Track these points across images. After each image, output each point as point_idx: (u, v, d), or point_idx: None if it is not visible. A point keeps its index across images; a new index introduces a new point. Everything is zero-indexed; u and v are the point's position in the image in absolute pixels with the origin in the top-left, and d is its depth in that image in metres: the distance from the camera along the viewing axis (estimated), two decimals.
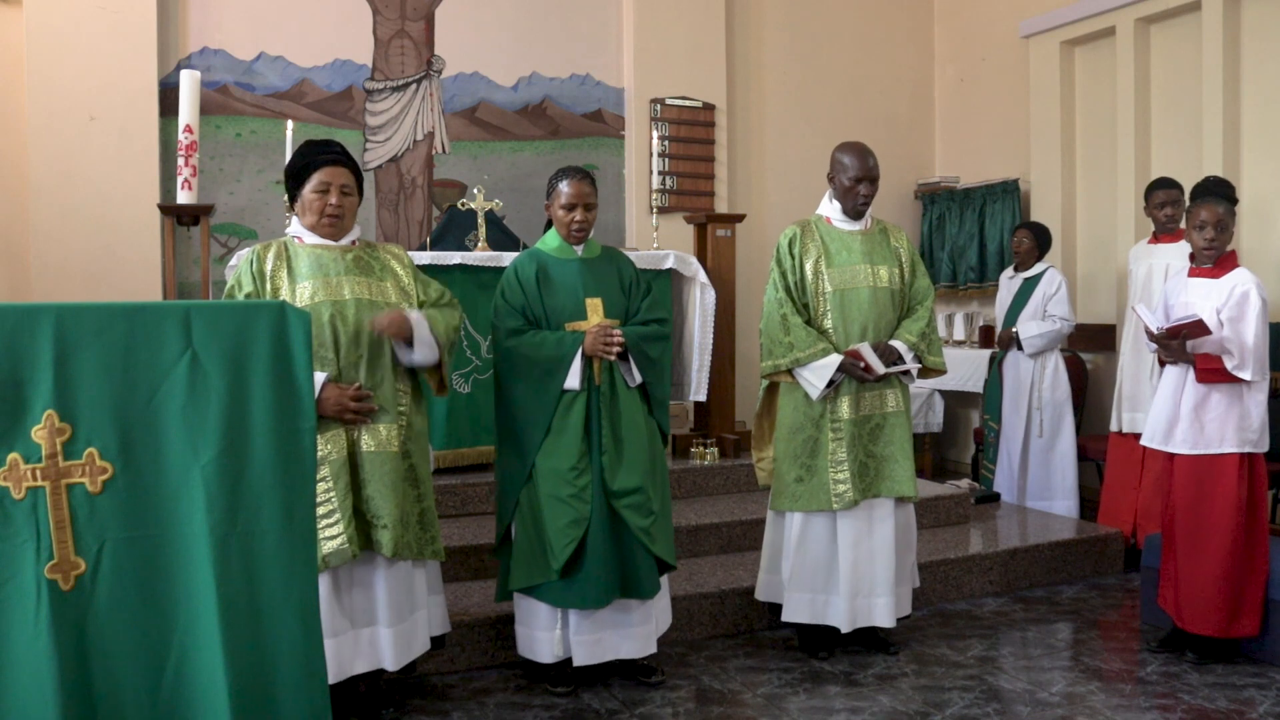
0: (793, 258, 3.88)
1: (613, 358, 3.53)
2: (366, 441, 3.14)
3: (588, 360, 3.53)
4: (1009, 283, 6.08)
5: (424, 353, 3.23)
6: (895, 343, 3.85)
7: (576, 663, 3.55)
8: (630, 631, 3.60)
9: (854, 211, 3.93)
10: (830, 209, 3.98)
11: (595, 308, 3.60)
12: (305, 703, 2.42)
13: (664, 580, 3.73)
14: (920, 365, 3.90)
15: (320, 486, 3.02)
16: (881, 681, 3.74)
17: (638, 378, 3.60)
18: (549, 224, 3.78)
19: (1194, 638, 3.88)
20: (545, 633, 3.56)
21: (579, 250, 3.69)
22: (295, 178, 3.26)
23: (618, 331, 3.53)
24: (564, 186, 3.65)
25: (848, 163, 3.89)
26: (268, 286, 3.15)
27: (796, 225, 3.96)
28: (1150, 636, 4.15)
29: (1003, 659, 3.98)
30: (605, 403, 3.55)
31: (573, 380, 3.50)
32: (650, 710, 3.50)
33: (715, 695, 3.65)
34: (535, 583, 3.52)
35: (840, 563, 3.82)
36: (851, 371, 3.78)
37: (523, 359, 3.53)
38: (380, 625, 3.21)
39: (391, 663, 3.23)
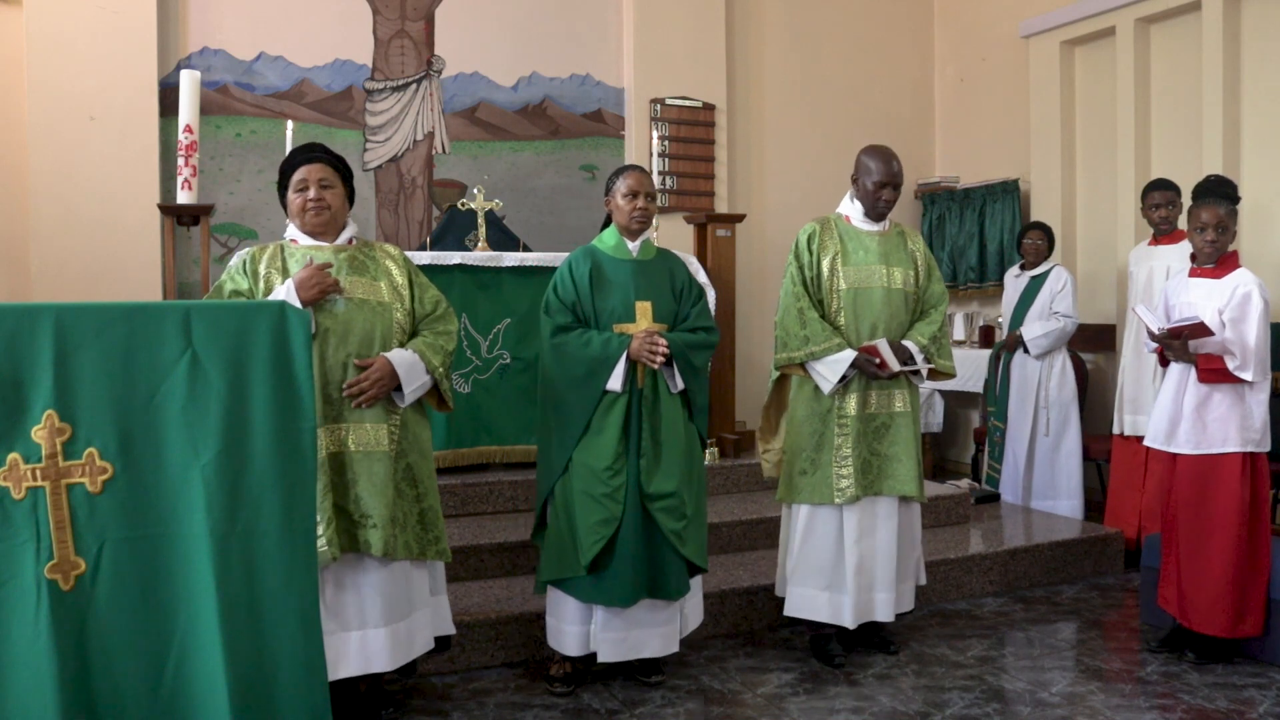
0: (811, 253, 3.91)
1: (656, 366, 3.54)
2: (353, 441, 3.12)
3: (632, 364, 3.54)
4: (1015, 282, 6.07)
5: (417, 391, 3.23)
6: (907, 343, 3.88)
7: (601, 659, 3.56)
8: (656, 631, 3.62)
9: (875, 215, 3.96)
10: (851, 208, 4.01)
11: (645, 311, 3.61)
12: (305, 703, 2.42)
13: (696, 579, 3.75)
14: (930, 367, 3.93)
15: None
16: (881, 681, 3.74)
17: (680, 384, 3.62)
18: (607, 221, 3.80)
19: (1194, 637, 3.88)
20: (573, 626, 3.58)
21: (635, 250, 3.70)
22: (281, 186, 3.29)
23: (663, 340, 3.53)
24: (625, 177, 3.71)
25: (873, 167, 3.90)
26: (261, 286, 3.14)
27: (816, 222, 3.99)
28: (1150, 636, 4.15)
29: (1003, 659, 3.98)
30: (647, 406, 3.57)
31: (615, 383, 3.51)
32: (650, 710, 3.50)
33: (715, 695, 3.65)
34: (564, 576, 3.53)
35: (846, 560, 3.84)
36: (865, 368, 3.80)
37: (568, 356, 3.55)
38: (370, 627, 3.15)
39: (386, 663, 3.17)
